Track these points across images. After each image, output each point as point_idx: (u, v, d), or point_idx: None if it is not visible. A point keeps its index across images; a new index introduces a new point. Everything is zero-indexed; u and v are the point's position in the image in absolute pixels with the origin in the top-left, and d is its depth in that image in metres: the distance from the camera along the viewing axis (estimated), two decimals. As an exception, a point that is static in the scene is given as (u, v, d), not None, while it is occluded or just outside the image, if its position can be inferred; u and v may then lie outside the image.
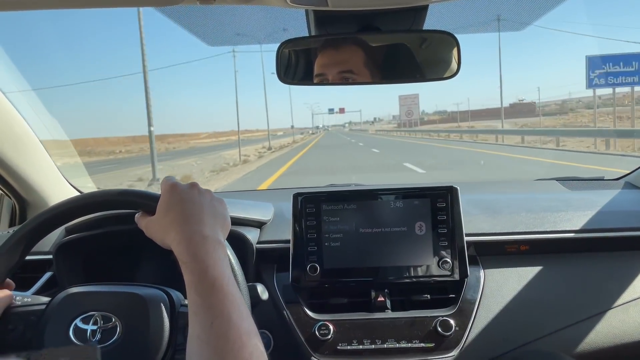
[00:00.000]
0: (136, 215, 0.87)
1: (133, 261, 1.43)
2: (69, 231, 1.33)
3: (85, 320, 0.85)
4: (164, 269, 1.43)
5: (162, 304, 0.88)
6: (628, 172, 1.77)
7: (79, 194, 1.70)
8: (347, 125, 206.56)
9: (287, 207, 1.31)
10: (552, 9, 1.11)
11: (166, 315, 0.87)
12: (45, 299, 0.95)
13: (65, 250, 1.29)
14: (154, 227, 0.81)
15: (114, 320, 0.85)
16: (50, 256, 1.29)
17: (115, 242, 1.37)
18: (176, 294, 0.93)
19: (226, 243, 0.81)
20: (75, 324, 0.85)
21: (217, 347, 0.63)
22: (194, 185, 0.83)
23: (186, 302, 0.93)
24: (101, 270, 1.36)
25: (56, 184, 1.65)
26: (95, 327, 0.85)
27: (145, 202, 0.90)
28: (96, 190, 1.02)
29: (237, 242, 1.24)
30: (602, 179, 1.85)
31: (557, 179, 1.86)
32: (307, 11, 1.00)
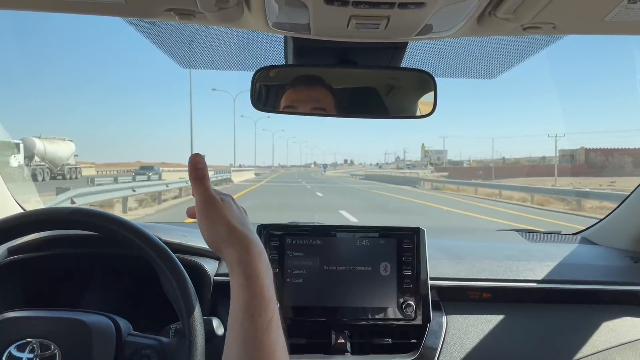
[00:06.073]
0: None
1: (80, 287, 1.33)
2: (11, 252, 1.23)
3: (21, 348, 0.78)
4: (113, 296, 1.35)
5: (107, 332, 0.81)
6: (584, 228, 1.82)
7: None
8: (312, 165, 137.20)
9: None
10: (525, 58, 1.15)
11: (112, 344, 0.80)
12: None
13: (4, 273, 1.19)
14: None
15: (52, 348, 0.78)
16: None
17: (62, 266, 1.28)
18: (124, 322, 0.86)
19: None
20: (10, 352, 0.78)
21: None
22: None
23: (134, 332, 0.86)
24: (44, 296, 1.27)
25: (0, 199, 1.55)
26: (31, 356, 0.77)
27: (101, 224, 0.85)
28: (45, 207, 0.95)
29: (194, 272, 1.17)
30: (559, 233, 1.90)
31: (517, 231, 1.90)
32: (286, 40, 1.00)
